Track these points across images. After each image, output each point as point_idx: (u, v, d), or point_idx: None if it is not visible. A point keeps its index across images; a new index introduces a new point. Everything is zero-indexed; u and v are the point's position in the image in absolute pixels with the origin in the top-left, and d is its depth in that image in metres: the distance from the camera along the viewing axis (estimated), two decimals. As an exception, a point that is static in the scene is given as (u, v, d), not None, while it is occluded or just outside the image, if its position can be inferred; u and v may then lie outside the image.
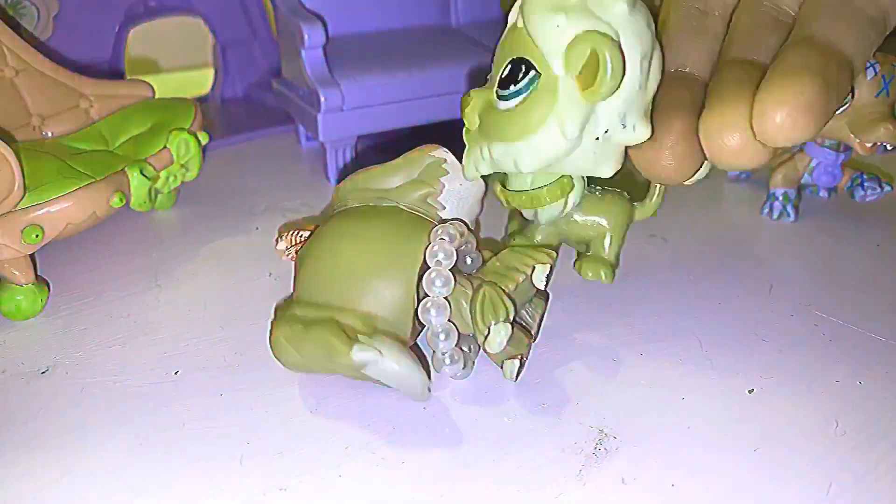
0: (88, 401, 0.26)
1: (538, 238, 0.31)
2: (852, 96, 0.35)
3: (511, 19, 0.25)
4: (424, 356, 0.27)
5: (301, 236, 0.28)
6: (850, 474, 0.22)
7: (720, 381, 0.26)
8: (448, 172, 0.28)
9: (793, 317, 0.30)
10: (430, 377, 0.25)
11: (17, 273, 0.30)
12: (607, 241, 0.31)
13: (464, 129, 0.27)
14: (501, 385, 0.26)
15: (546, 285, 0.27)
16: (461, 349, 0.26)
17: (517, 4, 0.25)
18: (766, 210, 0.39)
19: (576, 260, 0.31)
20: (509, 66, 0.24)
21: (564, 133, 0.24)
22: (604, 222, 0.31)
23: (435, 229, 0.26)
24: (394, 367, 0.23)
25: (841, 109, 0.35)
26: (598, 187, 0.31)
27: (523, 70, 0.24)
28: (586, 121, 0.24)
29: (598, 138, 0.24)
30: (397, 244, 0.26)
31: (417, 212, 0.27)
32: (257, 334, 0.29)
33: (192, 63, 0.63)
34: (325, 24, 0.41)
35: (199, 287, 0.33)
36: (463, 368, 0.26)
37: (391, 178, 0.28)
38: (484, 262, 0.28)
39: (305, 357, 0.24)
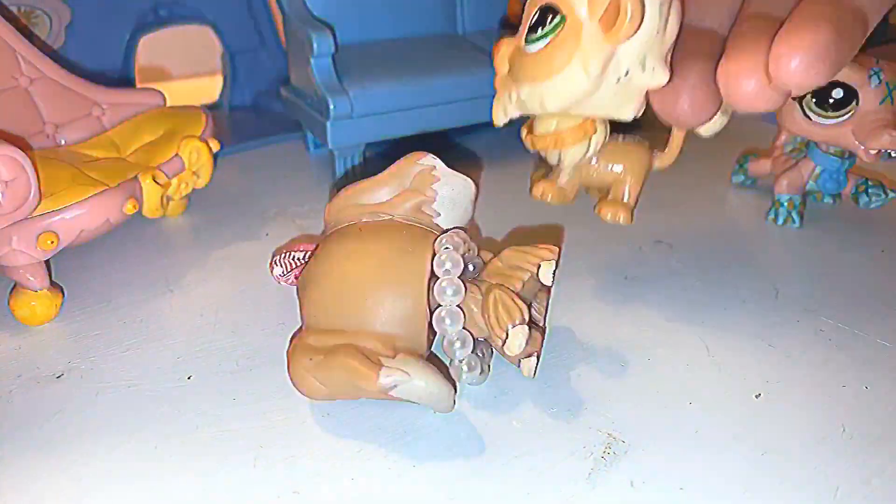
0: (103, 405, 0.26)
1: (562, 181, 0.32)
2: (857, 103, 0.35)
3: None
4: (444, 364, 0.27)
5: (296, 259, 0.29)
6: (858, 478, 0.23)
7: (727, 386, 0.27)
8: (439, 179, 0.28)
9: (799, 322, 0.30)
10: (455, 388, 0.25)
11: (32, 279, 0.30)
12: (627, 186, 0.32)
13: (494, 76, 0.29)
14: (510, 390, 0.27)
15: (552, 281, 0.28)
16: (476, 355, 0.26)
17: None
18: (772, 216, 0.39)
19: (595, 204, 0.32)
20: (538, 13, 0.26)
21: (587, 72, 0.25)
22: (624, 168, 0.32)
23: (439, 239, 0.26)
24: (422, 385, 0.24)
25: (845, 117, 0.35)
26: (620, 135, 0.32)
27: (550, 15, 0.25)
28: (608, 61, 0.25)
29: (619, 80, 0.26)
30: (402, 258, 0.26)
31: (413, 222, 0.27)
32: (269, 339, 0.29)
33: (200, 71, 0.63)
34: (333, 33, 0.42)
35: (210, 292, 0.33)
36: (480, 374, 0.26)
37: (381, 190, 0.28)
38: (484, 264, 0.28)
39: (330, 386, 0.24)
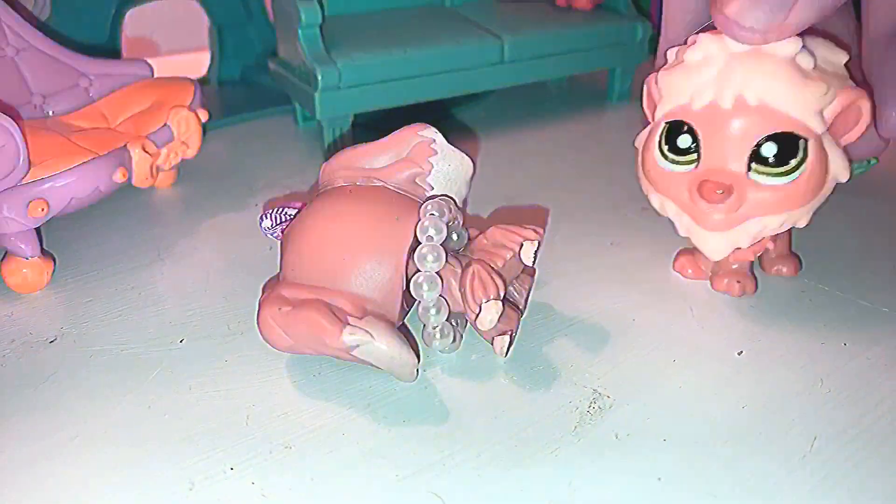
0: (96, 368, 0.26)
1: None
2: None
3: (718, 100, 0.25)
4: (413, 338, 0.28)
5: (287, 214, 0.29)
6: (834, 429, 0.23)
7: (710, 344, 0.27)
8: (436, 153, 0.28)
9: (781, 283, 0.31)
10: (419, 358, 0.25)
11: (23, 246, 0.30)
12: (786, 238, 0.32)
13: (709, 216, 0.26)
14: (496, 355, 0.27)
15: (534, 262, 0.28)
16: (450, 323, 0.26)
17: (727, 83, 0.25)
18: (756, 184, 0.40)
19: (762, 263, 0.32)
20: (775, 144, 0.25)
21: (842, 177, 0.26)
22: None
23: (424, 205, 0.26)
24: (384, 349, 0.24)
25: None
26: None
27: (794, 143, 0.25)
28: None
29: None
30: (386, 225, 0.26)
31: (405, 192, 0.28)
32: (259, 304, 0.30)
33: (188, 45, 0.63)
34: (321, 3, 0.42)
35: (201, 260, 0.33)
36: (452, 342, 0.26)
37: (379, 157, 0.28)
38: (470, 239, 0.29)
39: (294, 338, 0.25)
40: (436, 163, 0.28)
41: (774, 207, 0.26)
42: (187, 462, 0.22)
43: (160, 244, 0.35)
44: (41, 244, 0.31)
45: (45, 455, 0.22)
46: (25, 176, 0.29)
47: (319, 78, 0.41)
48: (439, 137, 0.28)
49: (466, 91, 0.47)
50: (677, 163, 0.27)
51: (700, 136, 0.26)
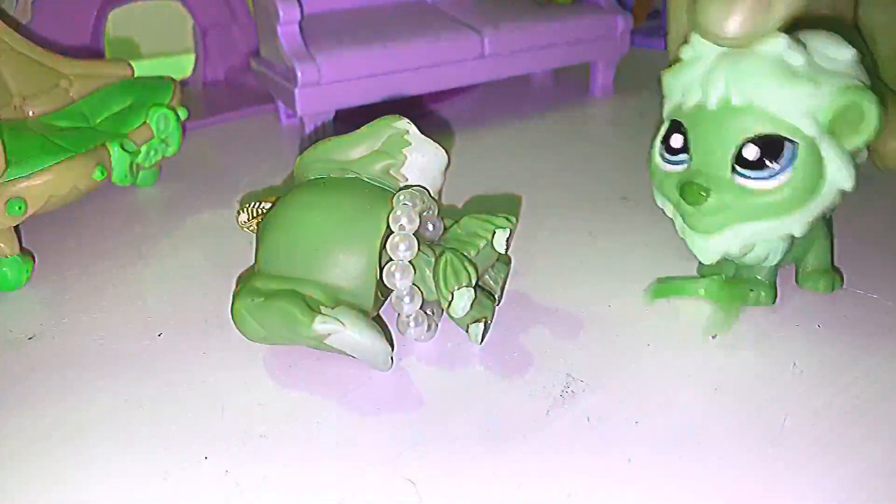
0: (75, 363, 0.27)
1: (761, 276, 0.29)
2: None
3: (704, 101, 0.25)
4: (388, 327, 0.28)
5: (262, 208, 0.29)
6: (806, 410, 0.23)
7: (685, 329, 0.27)
8: (411, 144, 0.28)
9: (757, 269, 0.31)
10: (392, 347, 0.25)
11: (2, 245, 0.30)
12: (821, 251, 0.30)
13: (695, 218, 0.26)
14: (471, 342, 0.27)
15: (507, 249, 0.28)
16: (425, 312, 0.27)
17: (712, 83, 0.24)
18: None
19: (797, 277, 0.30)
20: (756, 147, 0.24)
21: (850, 182, 0.24)
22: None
23: (397, 195, 0.26)
24: (356, 337, 0.24)
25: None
26: None
27: (778, 146, 0.24)
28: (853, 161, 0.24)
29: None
30: (359, 215, 0.26)
31: (379, 183, 0.28)
32: (238, 298, 0.30)
33: (172, 47, 0.63)
34: (300, 1, 0.42)
35: (182, 258, 0.34)
36: (427, 330, 0.27)
37: (353, 149, 0.28)
38: (445, 229, 0.29)
39: (267, 329, 0.25)
40: (409, 154, 0.28)
41: (761, 212, 0.25)
42: (162, 452, 0.22)
43: (141, 242, 0.35)
44: (20, 242, 0.31)
45: (22, 449, 0.23)
46: (3, 175, 0.29)
47: (299, 74, 0.41)
48: (413, 129, 0.28)
49: (447, 86, 0.47)
50: (671, 162, 0.26)
51: (690, 136, 0.25)
